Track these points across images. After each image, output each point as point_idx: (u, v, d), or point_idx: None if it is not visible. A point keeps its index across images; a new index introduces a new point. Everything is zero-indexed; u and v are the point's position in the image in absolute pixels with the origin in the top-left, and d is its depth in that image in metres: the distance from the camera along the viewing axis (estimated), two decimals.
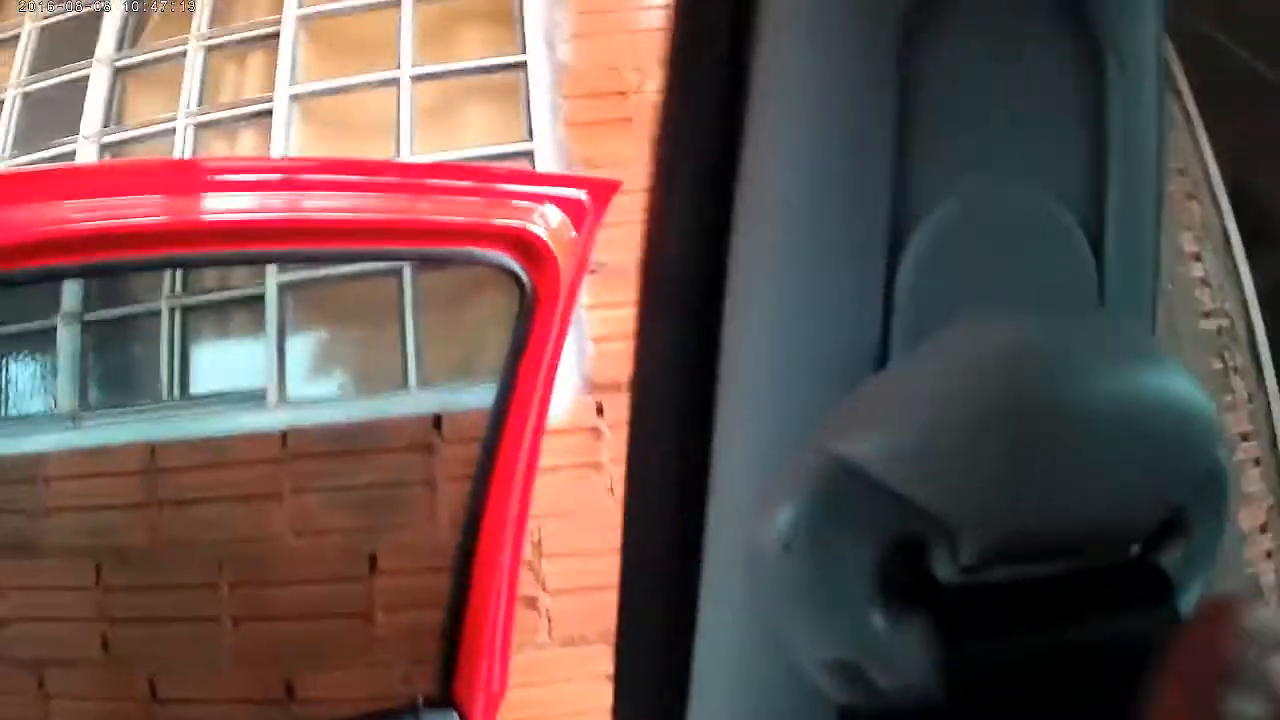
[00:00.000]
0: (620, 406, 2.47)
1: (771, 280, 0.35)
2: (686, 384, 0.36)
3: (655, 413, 0.39)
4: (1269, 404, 3.53)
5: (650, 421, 0.39)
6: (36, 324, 2.90)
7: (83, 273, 2.11)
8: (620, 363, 2.42)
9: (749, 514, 0.30)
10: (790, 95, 0.34)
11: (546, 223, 1.61)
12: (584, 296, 1.95)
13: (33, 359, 2.88)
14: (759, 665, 0.34)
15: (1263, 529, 3.48)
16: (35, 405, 2.91)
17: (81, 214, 1.33)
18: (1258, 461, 3.48)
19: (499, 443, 1.66)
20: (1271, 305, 3.56)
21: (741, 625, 0.34)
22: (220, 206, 1.50)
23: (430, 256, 1.88)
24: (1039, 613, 0.27)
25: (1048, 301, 0.32)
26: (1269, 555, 3.48)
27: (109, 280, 2.93)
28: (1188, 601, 0.30)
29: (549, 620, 2.36)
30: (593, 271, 2.27)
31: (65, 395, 2.86)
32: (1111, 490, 0.29)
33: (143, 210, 1.41)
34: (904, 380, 0.31)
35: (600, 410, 2.40)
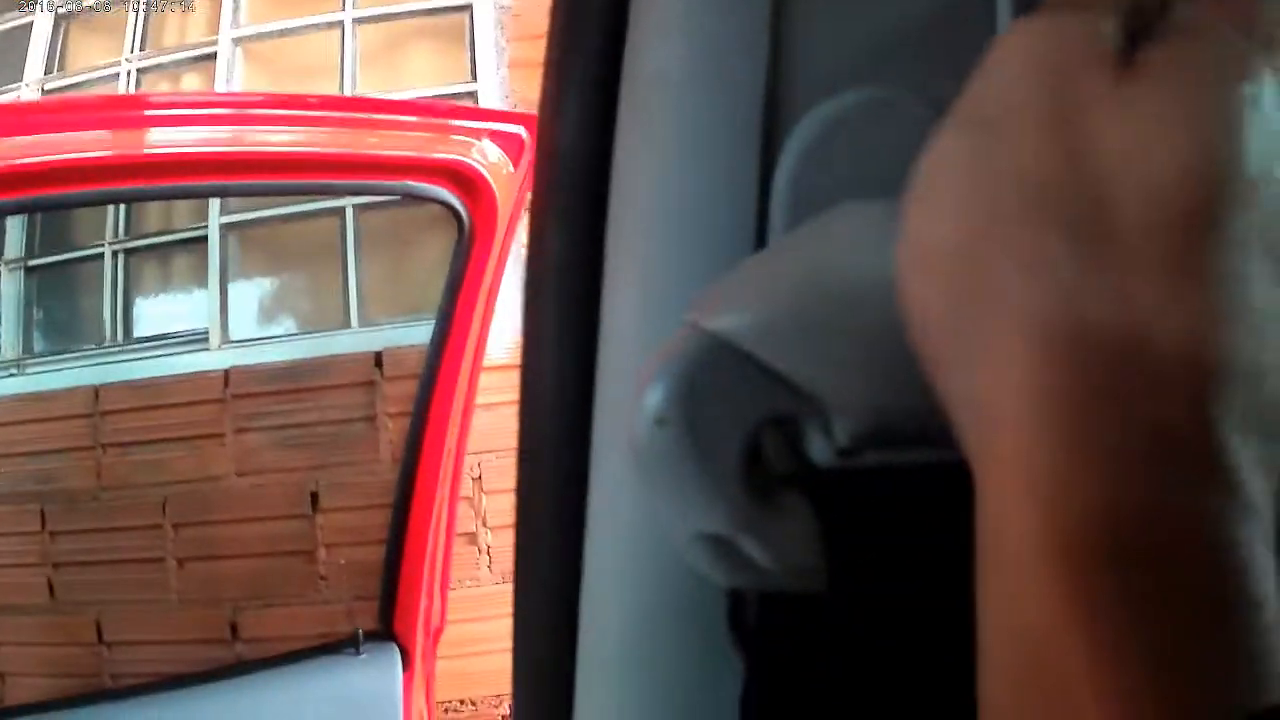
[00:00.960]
0: None
1: (652, 165, 0.35)
2: (574, 272, 0.36)
3: (545, 305, 0.38)
4: None
5: (539, 315, 0.39)
6: None
7: (28, 208, 2.10)
8: None
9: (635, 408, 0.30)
10: None
11: (485, 157, 1.61)
12: (524, 235, 1.95)
13: None
14: (647, 550, 0.34)
15: None
16: None
17: (26, 150, 1.33)
18: None
19: (436, 377, 1.66)
20: None
21: (629, 509, 0.35)
22: (165, 140, 1.50)
23: (370, 190, 1.88)
24: (912, 501, 0.27)
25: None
26: None
27: (52, 225, 2.90)
28: None
29: (489, 556, 2.38)
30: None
31: (8, 342, 2.83)
32: None
33: (88, 145, 1.40)
34: (777, 258, 0.31)
35: None
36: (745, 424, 0.28)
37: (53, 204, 1.73)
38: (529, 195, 1.72)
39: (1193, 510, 0.23)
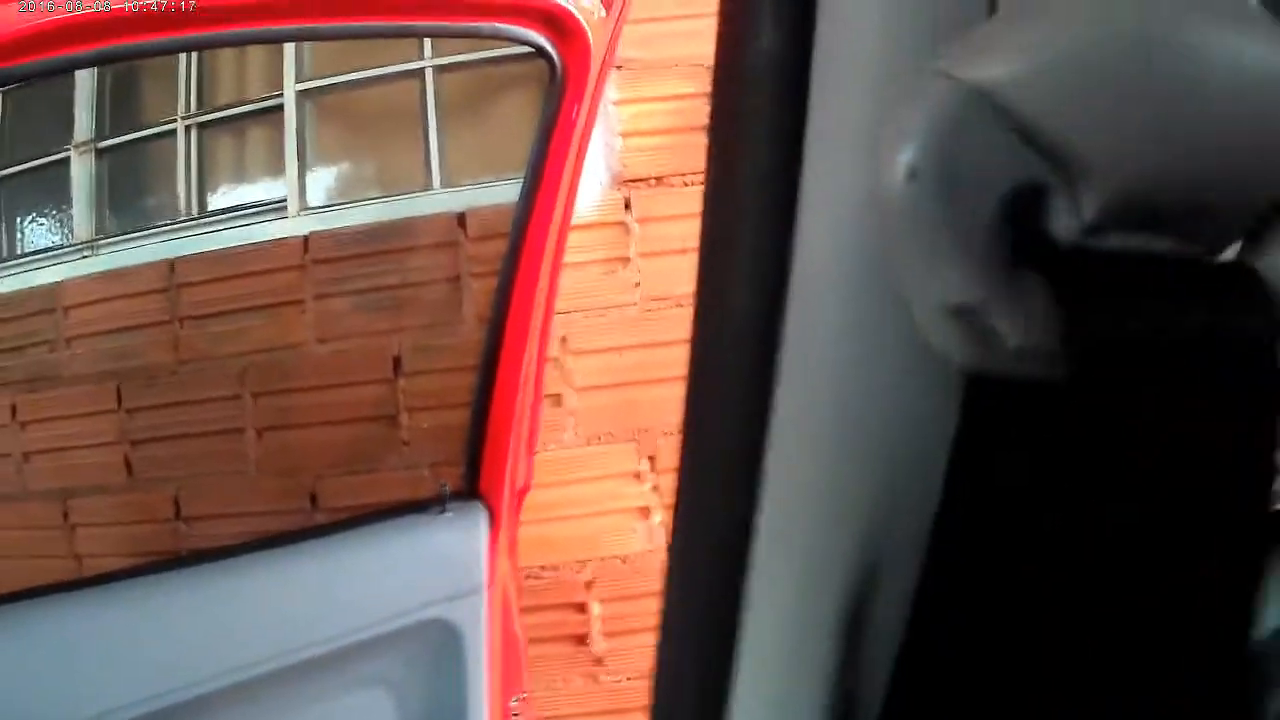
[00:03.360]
0: (648, 201, 2.44)
1: None
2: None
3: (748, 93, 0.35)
4: None
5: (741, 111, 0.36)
6: (49, 157, 2.86)
7: (96, 60, 2.06)
8: (649, 158, 2.38)
9: (853, 154, 0.28)
10: None
11: (577, 1, 1.57)
12: (612, 91, 1.90)
13: (47, 193, 2.85)
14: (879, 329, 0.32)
15: None
16: (51, 238, 2.89)
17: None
18: None
19: (526, 231, 1.63)
20: None
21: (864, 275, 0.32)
22: None
23: (460, 32, 1.83)
24: (1154, 290, 0.25)
25: None
26: None
27: (121, 105, 2.88)
28: None
29: (575, 418, 2.36)
30: (620, 67, 2.22)
31: (81, 225, 2.83)
32: (1230, 155, 0.26)
33: None
34: (1034, 11, 0.28)
35: (628, 205, 2.36)
36: (998, 186, 0.26)
37: (119, 55, 1.69)
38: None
39: None
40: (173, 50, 2.10)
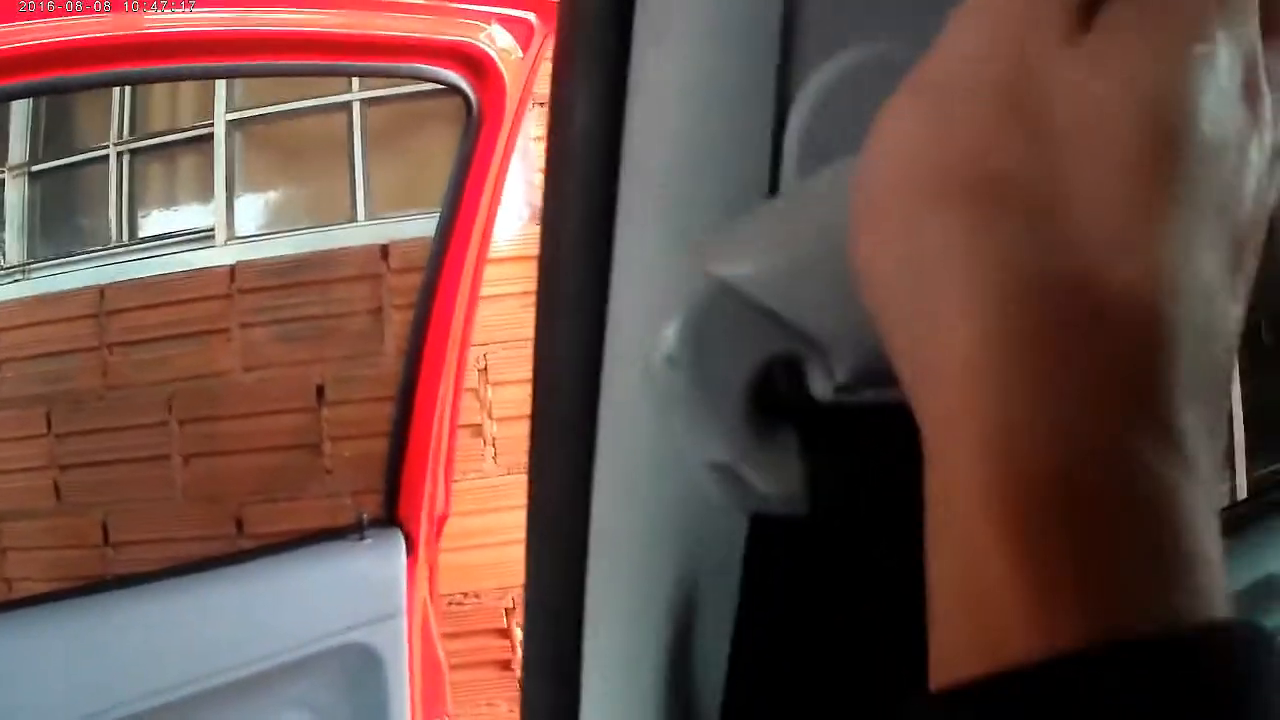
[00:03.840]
0: None
1: (666, 115, 0.36)
2: (592, 214, 0.38)
3: (561, 246, 0.40)
4: None
5: (555, 256, 0.40)
6: None
7: (29, 92, 2.07)
8: None
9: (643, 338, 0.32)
10: None
11: (494, 42, 1.60)
12: (531, 128, 1.94)
13: None
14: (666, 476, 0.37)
15: None
16: None
17: (26, 33, 1.31)
18: None
19: (442, 264, 1.66)
20: None
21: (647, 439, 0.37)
22: (169, 19, 1.48)
23: (379, 72, 1.86)
24: (904, 433, 0.28)
25: None
26: None
27: (55, 130, 2.88)
28: None
29: (494, 448, 2.38)
30: (540, 104, 2.26)
31: (13, 247, 2.83)
32: None
33: (90, 26, 1.38)
34: (781, 210, 0.33)
35: None
36: (749, 363, 0.31)
37: (55, 88, 1.71)
38: (536, 81, 1.70)
39: (1137, 457, 0.23)
40: (104, 84, 2.11)
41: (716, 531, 0.36)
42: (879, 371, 0.28)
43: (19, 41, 1.31)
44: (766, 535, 0.34)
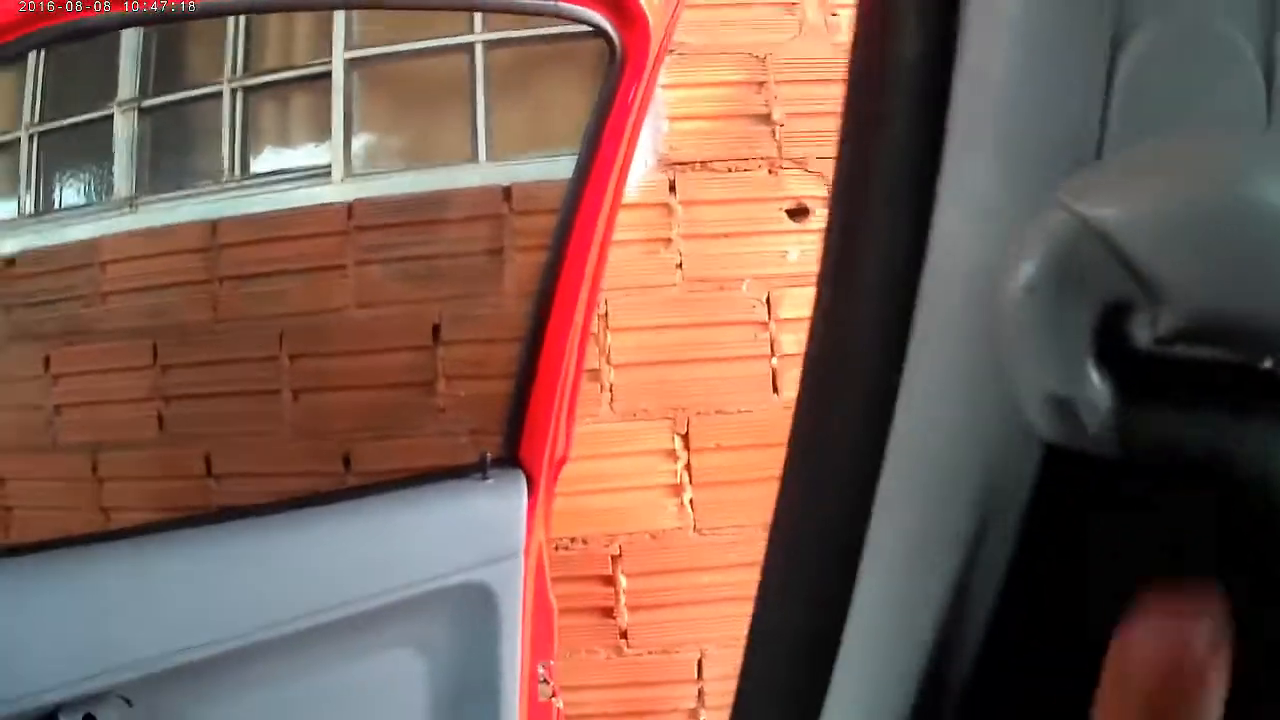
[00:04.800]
0: (693, 185, 2.44)
1: (1000, 59, 0.37)
2: (914, 145, 0.40)
3: (871, 189, 0.42)
4: None
5: (861, 202, 0.42)
6: (93, 114, 2.88)
7: (142, 20, 2.06)
8: (695, 142, 2.40)
9: (967, 275, 0.34)
10: None
11: None
12: (662, 75, 1.92)
13: (90, 149, 2.87)
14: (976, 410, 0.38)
15: None
16: (92, 195, 2.91)
17: None
18: None
19: (578, 207, 1.65)
20: None
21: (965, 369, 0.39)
22: None
23: (524, 9, 1.84)
24: (1216, 395, 0.30)
25: (1231, 122, 0.36)
26: None
27: (166, 65, 2.90)
28: None
29: (611, 393, 2.39)
30: (672, 51, 2.23)
31: (121, 182, 2.86)
32: None
33: None
34: (1155, 160, 0.34)
35: (673, 187, 2.39)
36: (1095, 301, 0.32)
37: (171, 17, 1.70)
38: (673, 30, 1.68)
39: None
40: (221, 13, 2.11)
41: (1011, 467, 0.37)
42: (1203, 330, 0.31)
43: None
44: (1065, 474, 0.35)
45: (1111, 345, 0.33)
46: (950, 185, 0.40)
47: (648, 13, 1.59)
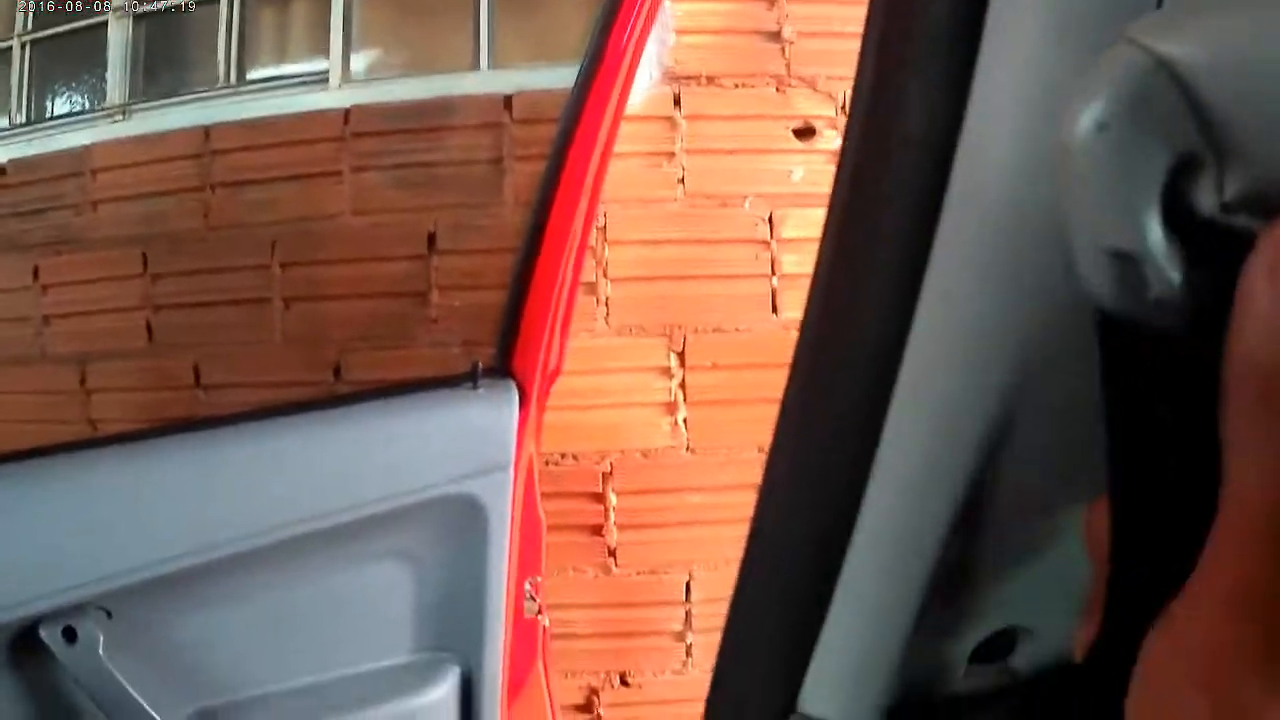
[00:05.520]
0: (698, 100, 2.40)
1: None
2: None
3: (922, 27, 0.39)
4: None
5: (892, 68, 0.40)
6: (85, 22, 2.83)
7: None
8: (702, 56, 2.36)
9: (1011, 140, 0.32)
10: None
11: None
12: None
13: (83, 57, 2.82)
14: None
15: None
16: (84, 102, 2.86)
17: None
18: None
19: (579, 119, 1.62)
20: None
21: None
22: None
23: None
24: None
25: None
26: None
27: None
28: None
29: (607, 307, 2.36)
30: None
31: (115, 88, 2.81)
32: None
33: None
34: (1213, 4, 0.31)
35: (677, 101, 2.35)
36: (1166, 150, 0.30)
37: None
38: None
39: None
40: None
41: (1058, 337, 0.36)
42: (1267, 196, 0.28)
43: None
44: (1132, 348, 0.32)
45: (1175, 206, 0.30)
46: (994, 46, 0.37)
47: None
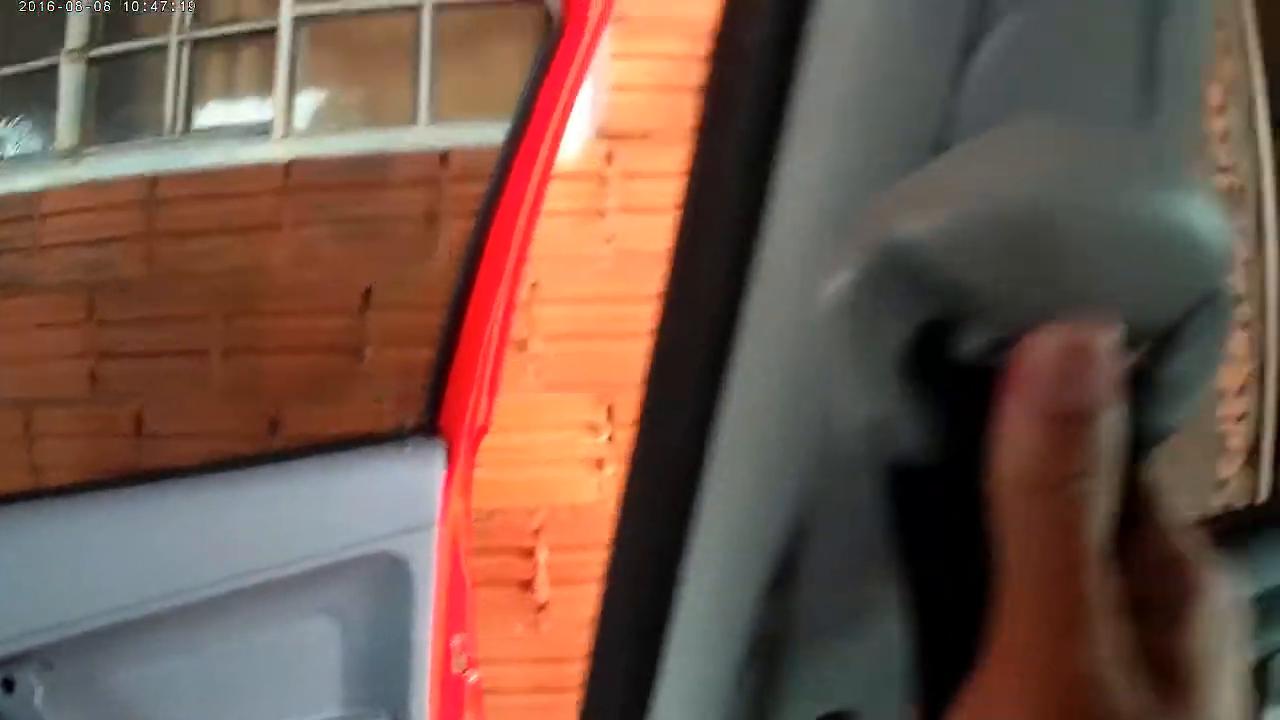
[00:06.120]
0: (632, 156, 2.44)
1: (851, 51, 0.37)
2: (754, 155, 0.39)
3: (713, 189, 0.42)
4: (1264, 270, 3.55)
5: (706, 195, 0.43)
6: (40, 62, 2.84)
7: None
8: (637, 114, 2.39)
9: (799, 273, 0.35)
10: None
11: None
12: (605, 45, 1.91)
13: (35, 98, 2.83)
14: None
15: (1239, 391, 3.52)
16: (35, 144, 2.87)
17: None
18: (1246, 325, 3.51)
19: (508, 175, 1.64)
20: None
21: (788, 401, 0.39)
22: None
23: None
24: None
25: (1096, 115, 0.35)
26: (1240, 418, 3.53)
27: (115, 15, 2.86)
28: (1181, 410, 0.34)
29: (537, 365, 2.37)
30: (616, 20, 2.22)
31: (66, 132, 2.82)
32: (1117, 296, 0.32)
33: None
34: (954, 169, 0.34)
35: (609, 159, 2.38)
36: (911, 320, 0.32)
37: None
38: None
39: None
40: None
41: (832, 482, 0.38)
42: (1015, 338, 0.31)
43: None
44: (905, 486, 0.34)
45: (933, 357, 0.33)
46: (790, 178, 0.39)
47: None
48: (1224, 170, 3.42)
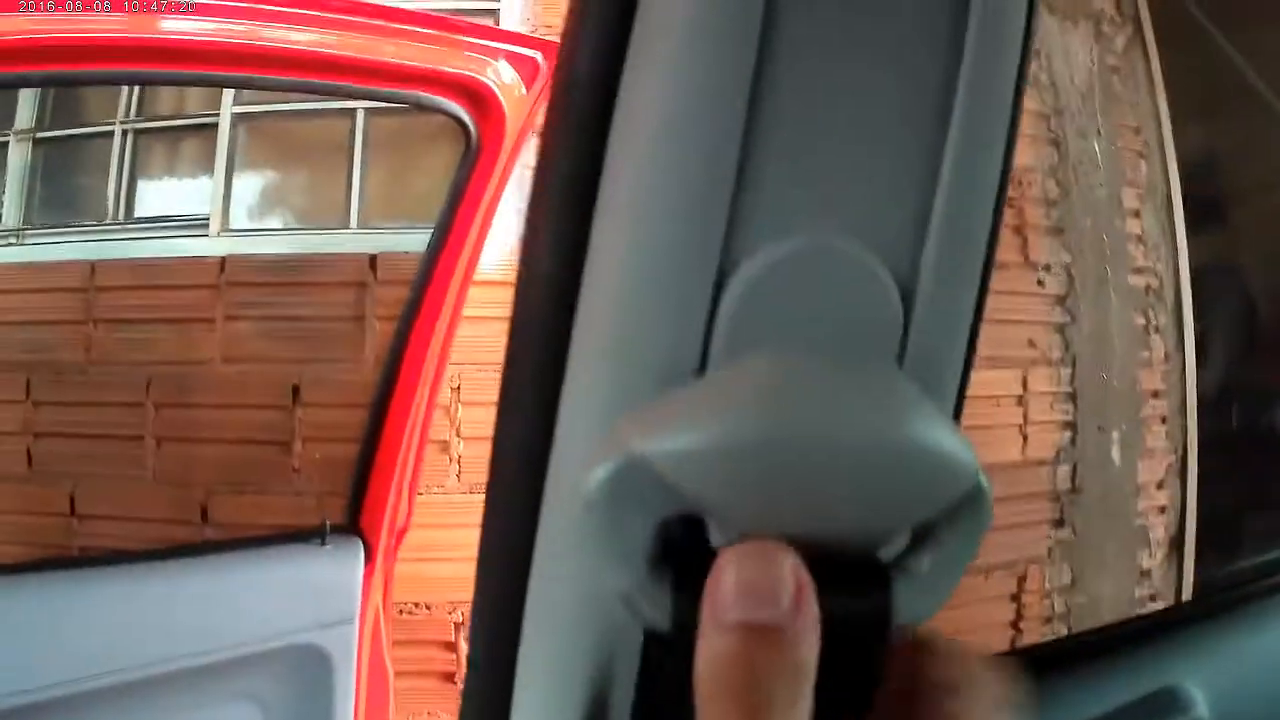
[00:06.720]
0: None
1: (614, 279, 0.40)
2: (545, 361, 0.43)
3: (516, 387, 0.45)
4: (1184, 366, 3.63)
5: (512, 395, 0.46)
6: None
7: (39, 82, 2.09)
8: None
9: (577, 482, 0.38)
10: (649, 102, 0.38)
11: (499, 76, 1.63)
12: (529, 158, 1.98)
13: None
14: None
15: (1159, 485, 3.58)
16: None
17: (41, 25, 1.33)
18: (1164, 419, 3.58)
19: (428, 282, 1.69)
20: (1203, 275, 3.64)
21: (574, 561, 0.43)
22: (181, 28, 1.49)
23: (383, 96, 1.88)
24: None
25: (849, 350, 0.38)
26: (1162, 510, 3.59)
27: (64, 100, 2.91)
28: (935, 602, 0.37)
29: (459, 465, 2.42)
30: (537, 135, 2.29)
31: (10, 212, 2.85)
32: (853, 514, 0.36)
33: (103, 24, 1.40)
34: (696, 396, 0.37)
35: None
36: (655, 516, 0.37)
37: (64, 80, 1.73)
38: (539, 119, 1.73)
39: None
40: (108, 82, 2.13)
41: (622, 645, 0.42)
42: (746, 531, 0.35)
43: (30, 33, 1.33)
44: (658, 648, 0.39)
45: (680, 546, 0.37)
46: (571, 388, 0.42)
47: (505, 105, 1.63)
48: (1139, 271, 3.52)
